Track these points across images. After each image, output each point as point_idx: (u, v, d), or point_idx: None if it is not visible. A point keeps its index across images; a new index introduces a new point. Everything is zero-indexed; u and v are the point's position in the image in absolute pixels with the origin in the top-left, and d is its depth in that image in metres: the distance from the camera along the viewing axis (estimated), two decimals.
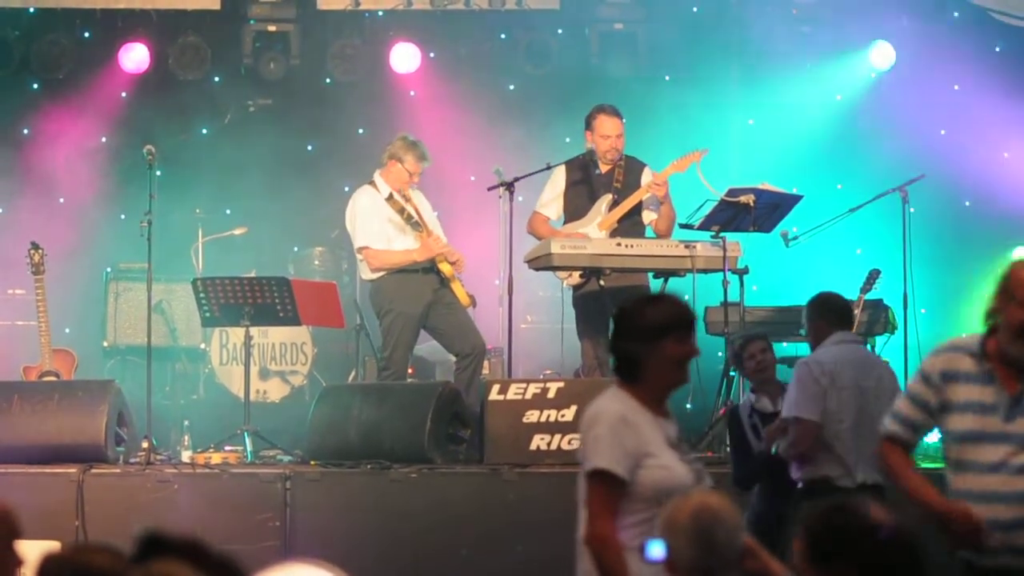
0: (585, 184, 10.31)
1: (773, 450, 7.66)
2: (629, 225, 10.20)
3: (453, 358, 10.47)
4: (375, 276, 10.28)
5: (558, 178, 10.37)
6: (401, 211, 10.25)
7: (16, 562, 4.15)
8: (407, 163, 10.26)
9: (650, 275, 10.17)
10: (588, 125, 10.29)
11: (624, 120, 10.35)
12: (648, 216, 10.28)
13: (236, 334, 11.50)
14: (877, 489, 7.07)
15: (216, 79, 13.45)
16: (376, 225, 10.24)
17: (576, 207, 10.31)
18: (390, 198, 10.28)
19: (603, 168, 10.29)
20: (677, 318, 4.82)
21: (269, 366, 12.00)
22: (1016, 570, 4.84)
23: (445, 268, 10.20)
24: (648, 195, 10.15)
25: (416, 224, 10.22)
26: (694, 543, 3.90)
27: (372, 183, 10.39)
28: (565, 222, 10.35)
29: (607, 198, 10.22)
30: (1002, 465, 4.83)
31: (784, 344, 11.27)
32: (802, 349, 9.64)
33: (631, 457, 4.72)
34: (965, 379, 4.93)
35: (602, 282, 9.87)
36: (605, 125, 10.20)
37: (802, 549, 3.61)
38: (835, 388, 7.30)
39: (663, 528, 3.96)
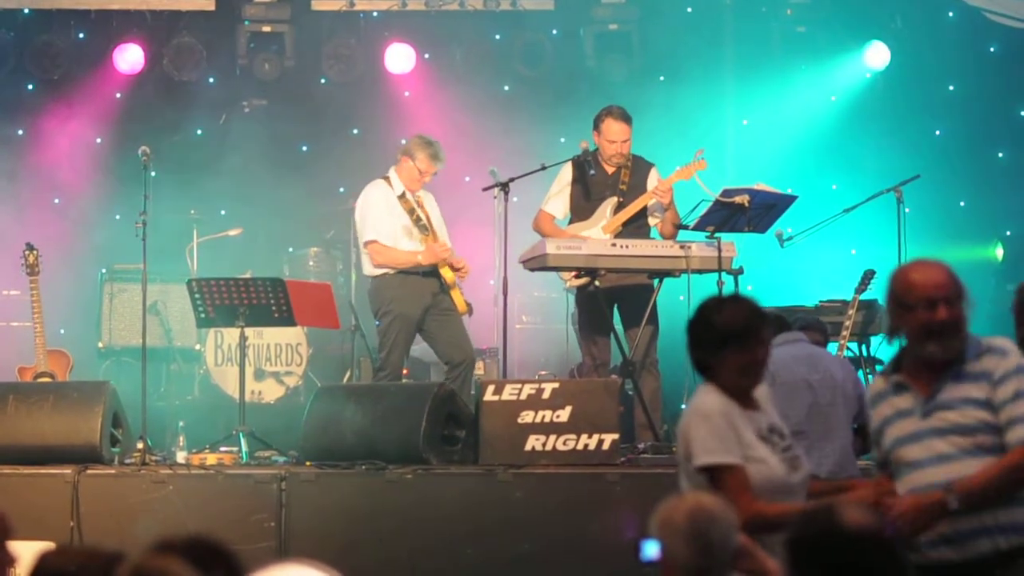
0: (591, 183, 10.24)
1: None
2: (634, 229, 10.16)
3: (437, 355, 10.48)
4: (377, 272, 10.24)
5: (565, 173, 10.30)
6: (411, 211, 10.23)
7: (9, 562, 4.15)
8: (419, 161, 10.23)
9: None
10: (596, 126, 10.22)
11: (632, 124, 10.25)
12: (652, 220, 10.25)
13: (231, 335, 11.50)
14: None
15: (211, 80, 13.45)
16: (386, 221, 10.23)
17: (581, 205, 10.24)
18: (402, 196, 10.27)
19: (608, 169, 10.24)
20: (738, 327, 4.93)
21: (264, 367, 11.99)
22: (948, 561, 4.92)
23: (447, 274, 10.17)
24: (653, 201, 10.12)
25: (424, 227, 10.20)
26: (690, 544, 3.90)
27: (386, 178, 10.37)
28: (571, 221, 10.30)
29: (612, 201, 10.17)
30: (926, 460, 4.98)
31: None
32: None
33: (739, 447, 4.86)
34: (883, 397, 5.13)
35: (597, 282, 9.86)
36: (612, 129, 10.15)
37: (784, 556, 3.62)
38: (775, 386, 7.28)
39: (658, 528, 3.96)
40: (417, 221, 10.20)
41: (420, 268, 10.15)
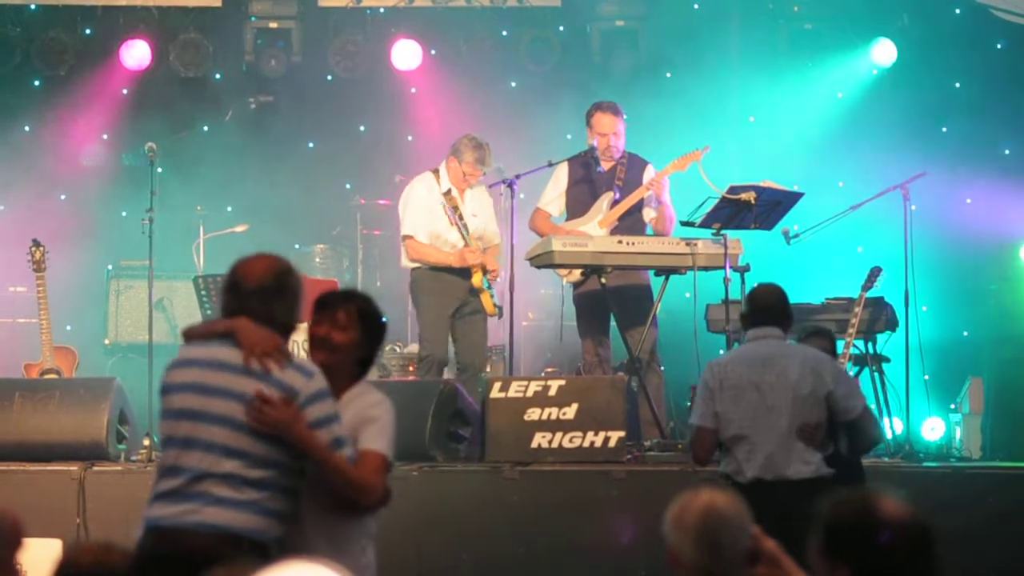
0: (587, 182, 10.33)
1: None
2: (630, 223, 10.21)
3: (452, 355, 10.49)
4: (412, 266, 10.38)
5: (560, 175, 10.39)
6: (455, 208, 10.27)
7: (16, 568, 4.15)
8: (464, 163, 10.27)
9: (651, 273, 10.17)
10: (587, 122, 10.33)
11: (624, 117, 10.35)
12: (648, 214, 10.29)
13: None
14: (774, 485, 7.00)
15: (217, 76, 13.46)
16: (423, 217, 10.29)
17: (578, 204, 10.33)
18: (448, 193, 10.31)
19: (605, 166, 10.30)
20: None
21: None
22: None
23: (476, 280, 10.21)
24: (648, 193, 10.16)
25: (465, 227, 10.25)
26: (698, 545, 3.87)
27: (435, 172, 10.42)
28: (567, 219, 10.36)
29: (608, 196, 10.23)
30: None
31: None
32: None
33: None
34: None
35: (603, 280, 9.86)
36: (603, 123, 10.22)
37: (816, 543, 3.59)
38: (723, 390, 7.22)
39: (669, 524, 3.94)
40: (460, 219, 10.24)
41: (452, 267, 10.22)
